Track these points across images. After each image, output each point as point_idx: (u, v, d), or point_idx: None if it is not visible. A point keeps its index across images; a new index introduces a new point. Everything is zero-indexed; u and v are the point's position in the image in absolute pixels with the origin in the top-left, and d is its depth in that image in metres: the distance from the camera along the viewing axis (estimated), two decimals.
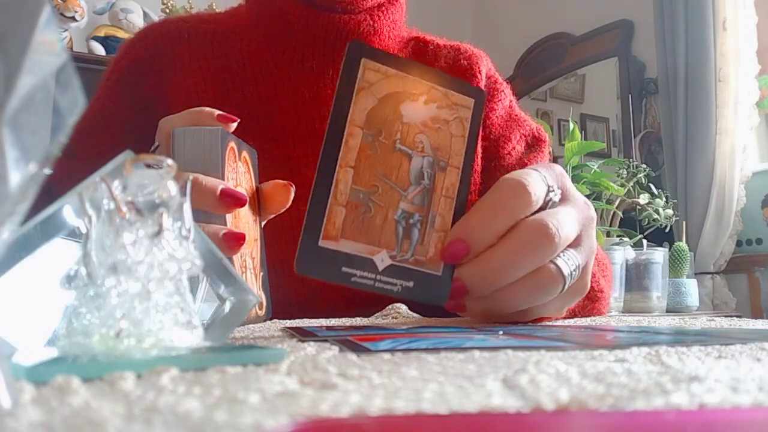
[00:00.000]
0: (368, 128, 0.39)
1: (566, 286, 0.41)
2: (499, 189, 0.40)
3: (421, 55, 0.81)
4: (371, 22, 0.74)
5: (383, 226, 0.39)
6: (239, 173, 0.47)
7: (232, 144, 0.46)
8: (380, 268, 0.38)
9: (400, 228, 0.39)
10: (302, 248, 0.37)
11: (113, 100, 0.75)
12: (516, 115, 0.82)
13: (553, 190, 0.43)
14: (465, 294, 0.39)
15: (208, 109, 0.46)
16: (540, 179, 0.42)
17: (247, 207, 0.44)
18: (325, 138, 0.38)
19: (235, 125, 0.46)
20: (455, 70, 0.79)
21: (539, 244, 0.39)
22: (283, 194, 0.48)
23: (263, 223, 0.51)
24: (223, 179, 0.43)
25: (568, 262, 0.41)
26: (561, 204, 0.43)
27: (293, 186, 0.48)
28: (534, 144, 0.82)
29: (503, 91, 0.82)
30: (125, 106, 0.74)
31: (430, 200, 0.40)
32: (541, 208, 0.41)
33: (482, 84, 0.79)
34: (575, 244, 0.42)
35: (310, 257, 0.37)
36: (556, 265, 0.40)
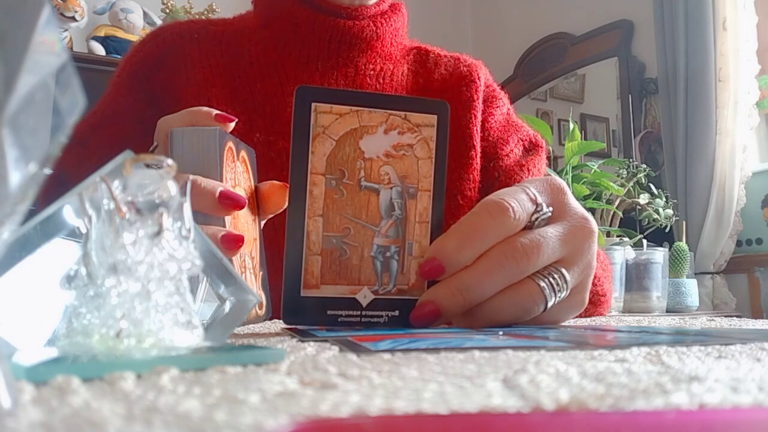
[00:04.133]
0: (330, 173, 0.39)
1: (549, 304, 0.41)
2: (478, 212, 0.40)
3: (422, 63, 0.84)
4: (374, 28, 0.77)
5: (360, 265, 0.39)
6: (238, 173, 0.47)
7: (231, 144, 0.46)
8: (364, 304, 0.39)
9: (377, 263, 0.40)
10: (286, 301, 0.38)
11: (123, 93, 0.77)
12: (514, 122, 0.85)
13: (542, 209, 0.42)
14: (437, 315, 0.39)
15: (205, 108, 0.46)
16: (526, 200, 0.41)
17: (245, 207, 0.44)
18: (288, 191, 0.39)
19: (232, 125, 0.46)
20: (455, 77, 0.82)
21: (507, 266, 0.39)
22: (280, 195, 0.48)
23: (262, 223, 0.51)
24: (221, 179, 0.43)
25: (548, 279, 0.40)
26: (552, 221, 0.42)
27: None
28: (531, 149, 0.84)
29: (501, 98, 0.85)
30: (135, 99, 0.77)
31: (404, 230, 0.40)
32: (528, 227, 0.41)
33: (480, 90, 0.82)
34: (567, 261, 0.42)
35: (295, 308, 0.38)
36: (537, 283, 0.40)
